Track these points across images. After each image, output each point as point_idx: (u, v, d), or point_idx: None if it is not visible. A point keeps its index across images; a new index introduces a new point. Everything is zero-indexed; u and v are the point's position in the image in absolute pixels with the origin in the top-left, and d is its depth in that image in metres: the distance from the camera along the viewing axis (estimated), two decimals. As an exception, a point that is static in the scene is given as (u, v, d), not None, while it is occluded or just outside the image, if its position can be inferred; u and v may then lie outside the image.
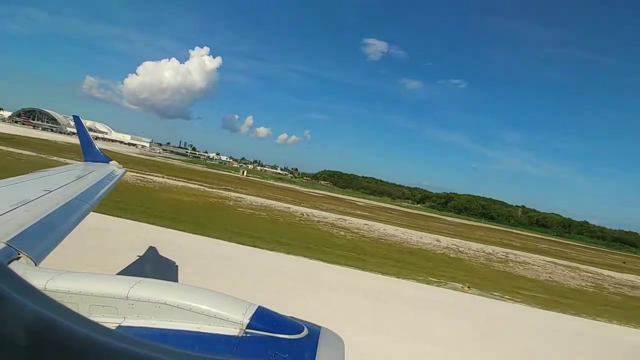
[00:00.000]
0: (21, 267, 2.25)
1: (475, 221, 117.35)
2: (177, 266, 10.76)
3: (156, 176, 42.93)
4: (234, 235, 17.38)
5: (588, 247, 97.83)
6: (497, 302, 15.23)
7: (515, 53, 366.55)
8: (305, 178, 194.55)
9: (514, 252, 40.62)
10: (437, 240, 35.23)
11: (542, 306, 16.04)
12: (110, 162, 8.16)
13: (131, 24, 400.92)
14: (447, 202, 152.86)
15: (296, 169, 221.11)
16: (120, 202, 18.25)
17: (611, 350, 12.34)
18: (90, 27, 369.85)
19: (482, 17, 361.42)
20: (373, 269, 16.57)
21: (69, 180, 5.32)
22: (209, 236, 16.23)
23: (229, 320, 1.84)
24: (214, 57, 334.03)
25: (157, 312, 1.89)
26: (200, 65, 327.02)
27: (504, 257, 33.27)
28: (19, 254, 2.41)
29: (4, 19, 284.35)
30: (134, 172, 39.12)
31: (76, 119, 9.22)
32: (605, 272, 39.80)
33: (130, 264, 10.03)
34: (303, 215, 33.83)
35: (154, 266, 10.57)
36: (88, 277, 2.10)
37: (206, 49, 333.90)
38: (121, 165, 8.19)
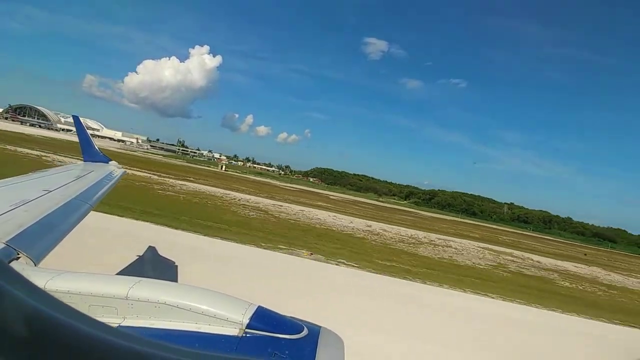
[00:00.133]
0: (21, 267, 2.26)
1: (453, 216, 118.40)
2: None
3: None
4: (118, 209, 18.67)
5: (558, 241, 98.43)
6: (332, 266, 16.54)
7: (515, 53, 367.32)
8: (296, 175, 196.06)
9: (451, 238, 41.84)
10: (367, 226, 36.52)
11: (388, 274, 17.24)
12: (110, 162, 8.24)
13: (131, 22, 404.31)
14: (432, 199, 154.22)
15: (288, 166, 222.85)
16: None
17: (388, 298, 13.53)
18: (90, 26, 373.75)
19: (482, 17, 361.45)
20: (239, 239, 17.86)
21: (68, 180, 5.37)
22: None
23: (229, 320, 1.85)
24: (214, 56, 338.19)
25: (157, 312, 1.90)
26: (200, 64, 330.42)
27: (427, 241, 34.53)
28: (18, 254, 2.41)
29: (4, 18, 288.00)
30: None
31: (75, 119, 9.32)
32: (544, 259, 40.82)
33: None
34: (234, 199, 35.18)
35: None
36: (87, 277, 2.10)
37: (206, 48, 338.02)
38: (120, 165, 8.31)
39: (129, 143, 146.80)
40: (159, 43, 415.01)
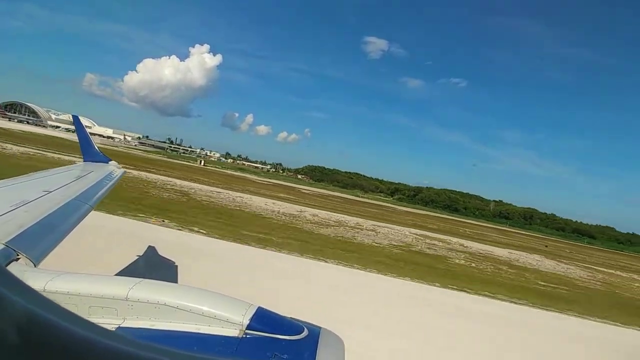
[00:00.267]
0: (20, 268, 2.26)
1: (429, 211, 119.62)
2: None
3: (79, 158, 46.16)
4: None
5: (530, 235, 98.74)
6: (172, 230, 17.73)
7: (516, 52, 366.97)
8: (286, 172, 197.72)
9: (390, 225, 43.09)
10: (299, 211, 37.85)
11: (241, 242, 17.98)
12: (110, 162, 8.26)
13: (132, 21, 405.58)
14: (416, 195, 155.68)
15: (280, 164, 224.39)
16: None
17: (208, 258, 14.32)
18: (90, 25, 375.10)
19: (482, 16, 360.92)
20: (119, 211, 19.24)
21: (68, 180, 5.39)
22: None
23: (229, 321, 1.86)
24: (214, 55, 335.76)
25: (157, 313, 1.91)
26: (200, 62, 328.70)
27: (352, 225, 35.67)
28: (18, 255, 2.41)
29: (5, 16, 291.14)
30: (65, 155, 42.43)
31: (75, 119, 9.23)
32: (483, 246, 41.80)
33: None
34: (169, 185, 36.23)
35: None
36: (87, 278, 2.11)
37: (206, 47, 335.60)
38: (120, 165, 8.36)
39: (118, 140, 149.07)
40: (159, 42, 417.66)
